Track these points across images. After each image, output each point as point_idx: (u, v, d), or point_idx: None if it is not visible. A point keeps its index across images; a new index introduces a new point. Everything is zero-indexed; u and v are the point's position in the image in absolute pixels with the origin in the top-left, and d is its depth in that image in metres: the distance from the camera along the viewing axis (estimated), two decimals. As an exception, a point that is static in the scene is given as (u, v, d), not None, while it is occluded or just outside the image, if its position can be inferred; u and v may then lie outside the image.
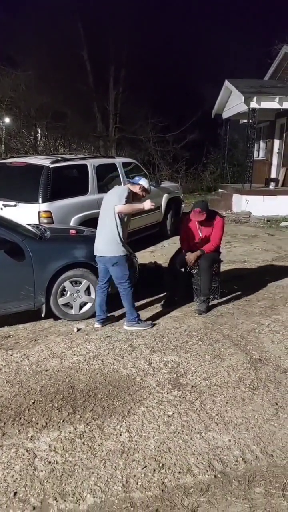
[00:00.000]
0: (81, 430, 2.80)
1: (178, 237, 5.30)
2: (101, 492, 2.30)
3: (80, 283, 4.56)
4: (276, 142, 14.83)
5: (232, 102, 14.00)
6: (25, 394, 3.22)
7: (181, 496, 2.29)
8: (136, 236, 7.25)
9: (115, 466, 2.48)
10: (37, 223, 5.66)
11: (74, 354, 3.84)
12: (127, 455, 2.58)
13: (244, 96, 12.15)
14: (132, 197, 4.20)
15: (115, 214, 4.09)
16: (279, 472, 2.48)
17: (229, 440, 2.72)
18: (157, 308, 5.00)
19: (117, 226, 4.11)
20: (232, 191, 13.52)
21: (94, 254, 4.29)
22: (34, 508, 2.21)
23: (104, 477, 2.41)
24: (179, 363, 3.69)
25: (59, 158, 6.72)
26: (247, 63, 22.49)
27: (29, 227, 4.88)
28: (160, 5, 27.24)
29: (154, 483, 2.37)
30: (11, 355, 3.83)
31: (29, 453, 2.59)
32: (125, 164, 7.79)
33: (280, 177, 13.80)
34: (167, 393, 3.23)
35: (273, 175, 14.68)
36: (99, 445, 2.66)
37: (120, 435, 2.76)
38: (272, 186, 13.22)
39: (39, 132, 20.42)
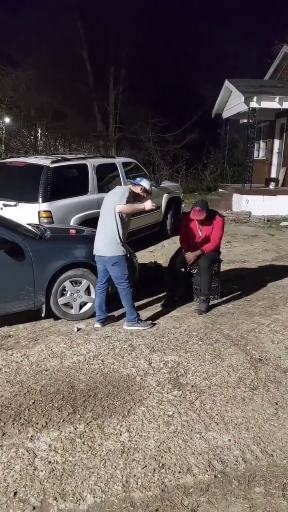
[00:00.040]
0: (81, 430, 2.80)
1: (178, 237, 5.30)
2: (101, 492, 2.30)
3: (80, 283, 4.56)
4: (276, 142, 14.83)
5: (232, 102, 14.00)
6: (25, 394, 3.22)
7: (181, 496, 2.28)
8: (136, 236, 7.26)
9: (115, 466, 2.48)
10: (37, 223, 5.66)
11: (74, 354, 3.84)
12: (127, 455, 2.58)
13: (244, 96, 12.15)
14: (133, 198, 4.20)
15: (116, 214, 4.09)
16: (279, 472, 2.48)
17: (229, 440, 2.72)
18: (157, 307, 5.00)
19: (117, 226, 4.11)
20: (232, 191, 13.52)
21: (94, 253, 4.30)
22: (34, 508, 2.21)
23: (104, 477, 2.41)
24: (179, 363, 3.69)
25: (59, 158, 6.71)
26: (247, 63, 22.50)
27: (29, 227, 4.88)
28: (160, 5, 27.27)
29: (154, 483, 2.37)
30: (11, 355, 3.83)
31: (29, 453, 2.59)
32: (125, 164, 7.79)
33: (280, 177, 13.80)
34: (167, 393, 3.22)
35: (273, 175, 14.68)
36: (99, 445, 2.66)
37: (120, 435, 2.76)
38: (272, 186, 13.23)
39: (39, 132, 20.43)
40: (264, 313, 4.88)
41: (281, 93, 12.50)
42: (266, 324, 4.56)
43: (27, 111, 18.83)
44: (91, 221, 5.59)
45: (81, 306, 4.64)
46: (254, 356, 3.83)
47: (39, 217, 5.81)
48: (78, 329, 4.40)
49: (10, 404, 3.09)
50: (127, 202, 4.08)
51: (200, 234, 4.91)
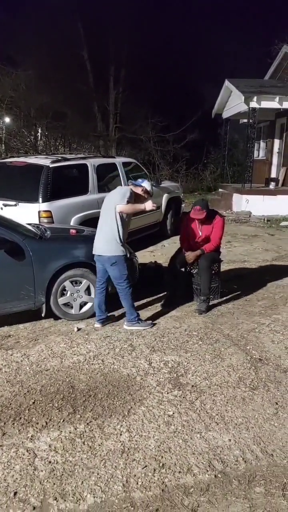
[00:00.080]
0: (81, 430, 2.80)
1: (178, 237, 5.30)
2: (101, 492, 2.30)
3: (80, 282, 4.56)
4: (276, 142, 14.83)
5: (232, 102, 14.00)
6: (25, 393, 3.22)
7: (181, 496, 2.28)
8: (136, 236, 7.25)
9: (115, 466, 2.48)
10: (37, 222, 5.66)
11: (74, 354, 3.84)
12: (127, 455, 2.57)
13: (244, 96, 12.15)
14: (134, 199, 4.20)
15: (116, 214, 4.10)
16: (279, 471, 2.48)
17: (229, 440, 2.72)
18: (157, 307, 5.00)
19: (117, 226, 4.11)
20: (232, 191, 13.52)
21: (93, 253, 4.29)
22: (34, 508, 2.21)
23: (104, 477, 2.40)
24: (179, 362, 3.69)
25: (59, 158, 6.72)
26: (247, 63, 22.48)
27: (29, 227, 4.88)
28: (160, 5, 27.23)
29: (154, 482, 2.37)
30: (11, 355, 3.82)
31: (29, 453, 2.59)
32: (125, 164, 7.79)
33: (280, 177, 13.80)
34: (167, 393, 3.22)
35: (273, 174, 14.68)
36: (99, 445, 2.66)
37: (120, 434, 2.76)
38: (272, 185, 13.23)
39: (39, 131, 20.44)
40: (264, 313, 4.88)
41: (281, 93, 12.50)
42: (266, 324, 4.56)
43: (27, 111, 18.84)
44: (91, 221, 5.59)
45: (81, 306, 4.64)
46: (254, 356, 3.83)
47: (39, 217, 5.81)
48: (78, 329, 4.40)
49: (10, 404, 3.09)
50: (128, 202, 4.08)
51: (200, 234, 4.91)
